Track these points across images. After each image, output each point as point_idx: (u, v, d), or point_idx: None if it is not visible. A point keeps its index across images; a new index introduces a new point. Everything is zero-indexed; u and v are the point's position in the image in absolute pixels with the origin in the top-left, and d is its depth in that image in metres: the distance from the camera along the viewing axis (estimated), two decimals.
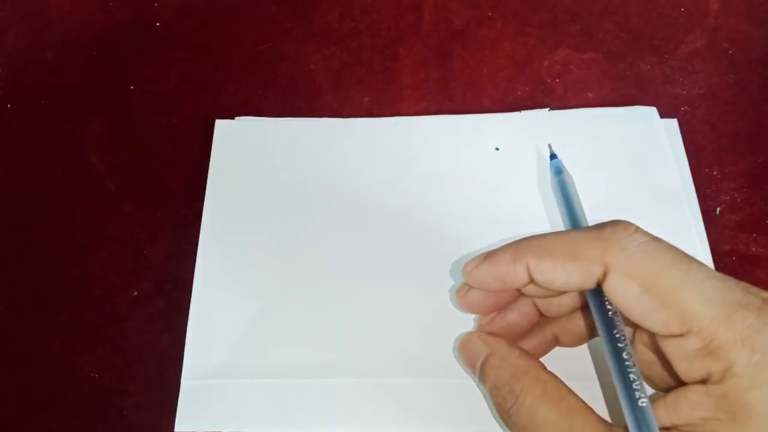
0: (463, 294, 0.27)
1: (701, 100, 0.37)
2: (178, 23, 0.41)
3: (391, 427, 0.28)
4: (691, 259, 0.22)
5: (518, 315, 0.27)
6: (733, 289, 0.21)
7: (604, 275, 0.22)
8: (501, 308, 0.27)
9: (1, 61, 0.40)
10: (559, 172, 0.30)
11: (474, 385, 0.28)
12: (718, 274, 0.21)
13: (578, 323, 0.27)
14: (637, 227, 0.23)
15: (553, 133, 0.35)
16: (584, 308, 0.27)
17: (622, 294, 0.22)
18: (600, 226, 0.23)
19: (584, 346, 0.29)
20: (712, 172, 0.35)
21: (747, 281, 0.31)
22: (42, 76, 0.39)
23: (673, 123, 0.36)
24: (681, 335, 0.21)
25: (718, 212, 0.34)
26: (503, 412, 0.24)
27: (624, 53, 0.39)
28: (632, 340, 0.25)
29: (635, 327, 0.24)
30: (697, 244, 0.32)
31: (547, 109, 0.36)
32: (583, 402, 0.23)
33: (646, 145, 0.34)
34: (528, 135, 0.35)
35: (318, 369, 0.29)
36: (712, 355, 0.20)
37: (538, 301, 0.27)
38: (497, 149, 0.35)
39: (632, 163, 0.34)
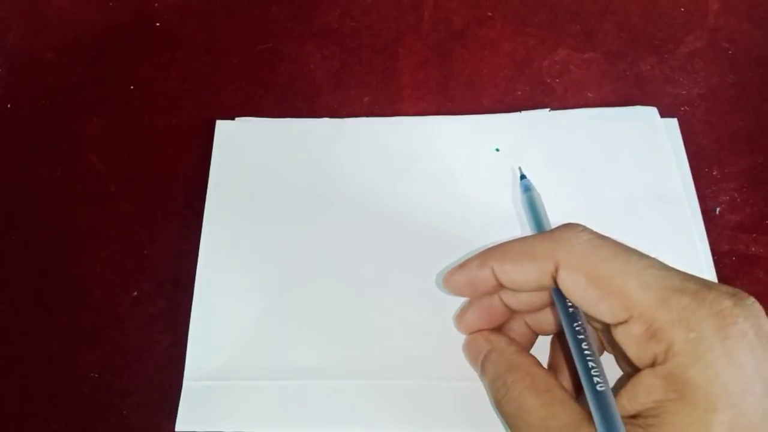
0: (460, 317, 0.29)
1: (701, 100, 0.37)
2: (178, 23, 0.41)
3: (392, 428, 0.28)
4: (632, 251, 0.23)
5: (516, 336, 0.29)
6: (671, 276, 0.22)
7: (556, 271, 0.24)
8: (493, 327, 0.29)
9: (1, 61, 0.40)
10: (527, 189, 0.32)
11: (474, 387, 0.28)
12: (658, 263, 0.23)
13: (546, 317, 0.29)
14: (585, 227, 0.25)
15: (553, 134, 0.35)
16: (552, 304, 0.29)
17: (572, 287, 0.24)
18: (552, 230, 0.26)
19: None
20: (712, 172, 0.35)
21: (747, 281, 0.31)
22: (42, 76, 0.39)
23: (673, 123, 0.36)
24: (625, 321, 0.22)
25: (718, 212, 0.34)
26: (497, 401, 0.26)
27: (624, 53, 0.39)
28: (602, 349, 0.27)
29: (590, 320, 0.26)
30: (697, 244, 0.32)
31: (547, 109, 0.36)
32: (568, 394, 0.24)
33: (646, 145, 0.34)
34: (528, 135, 0.35)
35: (319, 370, 0.29)
36: (655, 337, 0.22)
37: (529, 320, 0.29)
38: (497, 150, 0.35)
39: (632, 163, 0.34)
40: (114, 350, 0.31)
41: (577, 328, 0.25)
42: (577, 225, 0.25)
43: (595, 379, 0.23)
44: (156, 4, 0.42)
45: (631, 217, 0.33)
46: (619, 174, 0.34)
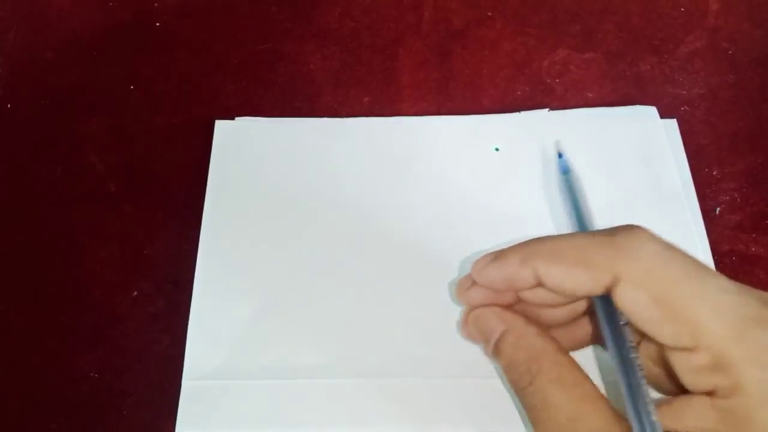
0: (463, 290, 0.26)
1: (701, 100, 0.37)
2: (178, 23, 0.41)
3: (393, 427, 0.28)
4: (704, 270, 0.21)
5: None
6: (748, 303, 0.20)
7: (614, 284, 0.22)
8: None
9: (1, 61, 0.40)
10: (566, 171, 0.29)
11: (475, 385, 0.28)
12: (734, 286, 0.21)
13: (573, 332, 0.27)
14: (651, 234, 0.22)
15: (553, 134, 0.35)
16: (581, 319, 0.26)
17: (633, 304, 0.21)
18: (612, 232, 0.23)
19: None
20: (712, 172, 0.35)
21: (747, 282, 0.31)
22: (42, 76, 0.39)
23: (672, 123, 0.36)
24: (690, 349, 0.21)
25: (718, 212, 0.34)
26: (518, 389, 0.24)
27: (624, 53, 0.39)
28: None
29: (642, 336, 0.24)
30: (697, 244, 0.32)
31: (547, 109, 0.36)
32: (597, 390, 0.23)
33: (646, 145, 0.35)
34: (528, 135, 0.35)
35: (319, 370, 0.29)
36: (722, 372, 0.20)
37: (534, 310, 0.26)
38: (497, 150, 0.35)
39: (632, 163, 0.34)
40: (114, 350, 0.31)
41: (628, 346, 0.22)
42: (643, 230, 0.22)
43: (649, 407, 0.21)
44: (156, 4, 0.42)
45: (630, 217, 0.32)
46: (619, 174, 0.34)
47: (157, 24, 0.41)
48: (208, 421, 0.29)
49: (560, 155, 0.29)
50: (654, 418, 0.21)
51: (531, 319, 0.26)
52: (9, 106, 0.38)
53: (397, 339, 0.30)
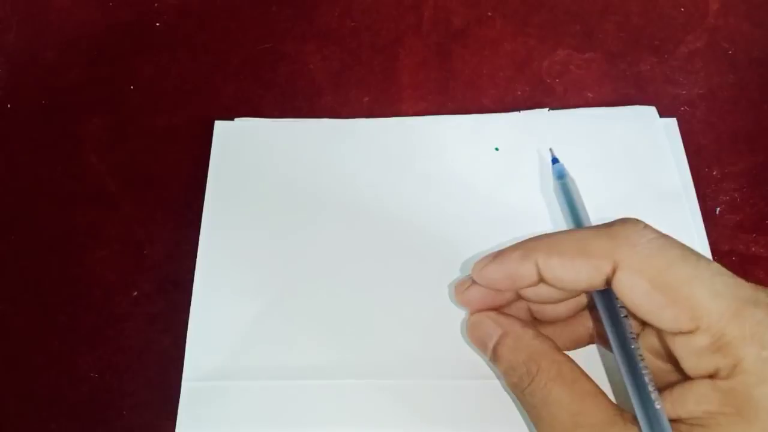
0: (462, 290, 0.27)
1: (701, 100, 0.37)
2: (178, 23, 0.41)
3: (394, 428, 0.28)
4: (699, 256, 0.22)
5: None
6: (742, 286, 0.21)
7: (614, 272, 0.22)
8: (496, 308, 0.27)
9: (1, 61, 0.40)
10: (561, 176, 0.30)
11: (475, 386, 0.28)
12: (728, 272, 0.21)
13: (573, 329, 0.27)
14: (646, 224, 0.23)
15: (553, 133, 0.35)
16: (580, 315, 0.27)
17: (632, 290, 0.22)
18: (609, 224, 0.23)
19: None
20: (712, 172, 0.35)
21: (747, 281, 0.31)
22: (42, 76, 0.39)
23: (672, 122, 0.36)
24: (690, 332, 0.21)
25: (718, 212, 0.34)
26: (518, 391, 0.24)
27: (624, 53, 0.39)
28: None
29: (642, 328, 0.24)
30: (697, 244, 0.32)
31: (547, 109, 0.36)
32: (596, 385, 0.23)
33: (646, 144, 0.35)
34: (528, 135, 0.35)
35: (320, 370, 0.29)
36: (721, 351, 0.20)
37: (533, 306, 0.27)
38: (497, 149, 0.35)
39: (632, 163, 0.34)
40: (114, 350, 0.31)
41: (630, 337, 0.23)
42: (638, 221, 0.23)
43: (652, 394, 0.21)
44: (156, 4, 0.42)
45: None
46: (619, 174, 0.34)
47: (157, 24, 0.41)
48: (209, 421, 0.29)
49: (555, 160, 0.30)
50: (658, 406, 0.21)
51: (529, 321, 0.27)
52: (9, 106, 0.38)
53: (399, 340, 0.30)
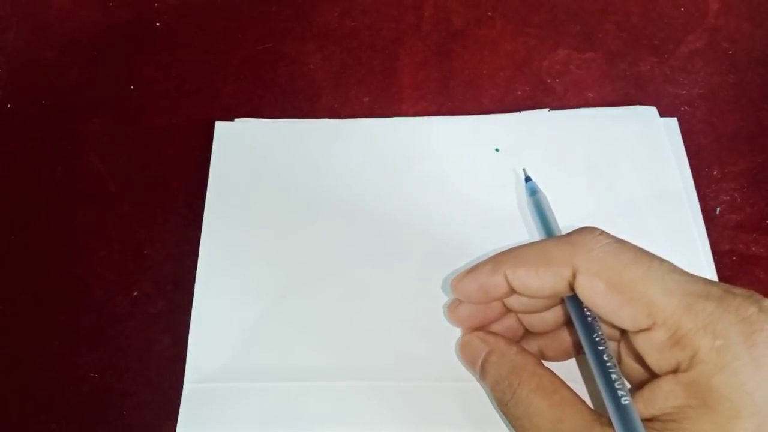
0: (453, 308, 0.28)
1: (701, 100, 0.37)
2: (178, 23, 0.41)
3: (394, 429, 0.28)
4: (653, 257, 0.23)
5: (503, 329, 0.28)
6: (693, 281, 0.22)
7: (574, 277, 0.23)
8: (488, 323, 0.28)
9: (1, 61, 0.40)
10: (533, 192, 0.31)
11: (475, 387, 0.28)
12: (680, 269, 0.23)
13: (563, 339, 0.28)
14: (602, 231, 0.24)
15: (553, 134, 0.35)
16: (568, 324, 0.28)
17: (591, 293, 0.23)
18: (568, 234, 0.25)
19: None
20: (712, 172, 0.35)
21: (747, 281, 0.31)
22: (42, 76, 0.39)
23: (673, 122, 0.36)
24: (648, 328, 0.22)
25: (718, 212, 0.34)
26: (502, 405, 0.25)
27: (624, 53, 0.39)
28: (618, 353, 0.26)
29: (621, 333, 0.25)
30: (697, 244, 0.32)
31: (547, 109, 0.36)
32: (576, 394, 0.24)
33: (646, 144, 0.34)
34: (528, 135, 0.35)
35: (320, 372, 0.29)
36: (679, 345, 0.21)
37: (523, 317, 0.28)
38: (497, 150, 0.35)
39: (632, 163, 0.34)
40: (114, 350, 0.31)
41: (597, 339, 0.24)
42: (594, 228, 0.24)
43: (620, 392, 0.22)
44: (156, 4, 0.42)
45: (631, 217, 0.33)
46: (619, 174, 0.34)
47: (157, 24, 0.41)
48: (209, 423, 0.28)
49: (528, 179, 0.32)
50: (625, 401, 0.22)
51: (519, 336, 0.28)
52: (9, 106, 0.38)
53: (397, 341, 0.30)
